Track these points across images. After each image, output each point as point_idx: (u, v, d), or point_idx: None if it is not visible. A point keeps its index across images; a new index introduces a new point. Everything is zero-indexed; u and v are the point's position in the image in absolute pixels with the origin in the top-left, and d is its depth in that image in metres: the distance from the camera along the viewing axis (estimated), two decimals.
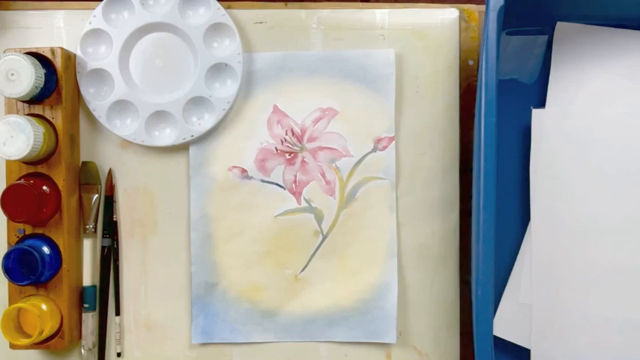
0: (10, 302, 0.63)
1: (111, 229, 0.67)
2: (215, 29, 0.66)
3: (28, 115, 0.63)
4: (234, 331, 0.67)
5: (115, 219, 0.67)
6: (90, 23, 0.65)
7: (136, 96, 0.66)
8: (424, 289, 0.68)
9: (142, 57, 0.66)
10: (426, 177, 0.67)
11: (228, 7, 0.67)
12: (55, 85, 0.63)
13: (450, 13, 0.68)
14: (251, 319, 0.67)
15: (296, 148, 0.67)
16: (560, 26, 0.66)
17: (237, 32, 0.66)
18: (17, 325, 0.63)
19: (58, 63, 0.63)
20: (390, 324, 0.67)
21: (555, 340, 0.64)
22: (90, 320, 0.66)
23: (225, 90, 0.66)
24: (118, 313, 0.67)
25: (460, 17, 0.68)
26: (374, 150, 0.67)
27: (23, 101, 0.63)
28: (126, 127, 0.66)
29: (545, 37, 0.67)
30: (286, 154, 0.67)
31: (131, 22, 0.66)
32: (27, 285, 0.62)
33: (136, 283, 0.67)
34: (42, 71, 0.61)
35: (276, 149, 0.67)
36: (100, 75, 0.66)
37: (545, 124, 0.65)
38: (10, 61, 0.59)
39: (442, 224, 0.67)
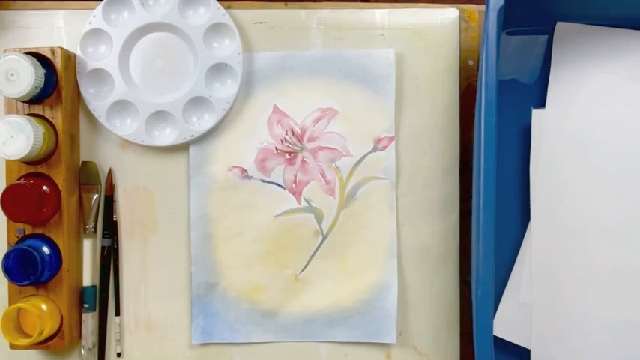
0: (10, 302, 0.63)
1: (111, 229, 0.67)
2: (215, 29, 0.66)
3: (28, 115, 0.63)
4: (234, 331, 0.67)
5: (115, 219, 0.67)
6: (90, 23, 0.65)
7: (136, 96, 0.66)
8: (424, 289, 0.68)
9: (142, 57, 0.66)
10: (426, 177, 0.67)
11: (228, 7, 0.67)
12: (55, 85, 0.63)
13: (450, 13, 0.68)
14: (251, 319, 0.67)
15: (296, 148, 0.67)
16: (560, 26, 0.66)
17: (237, 32, 0.66)
18: (17, 325, 0.63)
19: (58, 63, 0.63)
20: (390, 324, 0.67)
21: (555, 340, 0.64)
22: (90, 320, 0.66)
23: (225, 90, 0.66)
24: (118, 313, 0.67)
25: (460, 17, 0.68)
26: (374, 150, 0.67)
27: (23, 101, 0.63)
28: (126, 127, 0.66)
29: (545, 37, 0.67)
30: (286, 154, 0.67)
31: (131, 22, 0.66)
32: (27, 285, 0.62)
33: (136, 283, 0.67)
34: (42, 71, 0.61)
35: (276, 149, 0.67)
36: (100, 75, 0.66)
37: (545, 124, 0.65)
38: (10, 61, 0.59)
39: (442, 224, 0.67)
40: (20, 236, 0.63)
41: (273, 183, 0.67)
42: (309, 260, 0.67)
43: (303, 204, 0.67)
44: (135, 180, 0.67)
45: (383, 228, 0.67)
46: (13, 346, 0.63)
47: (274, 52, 0.67)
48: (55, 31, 0.67)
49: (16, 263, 0.62)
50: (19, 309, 0.62)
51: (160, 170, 0.68)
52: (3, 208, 0.60)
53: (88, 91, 0.66)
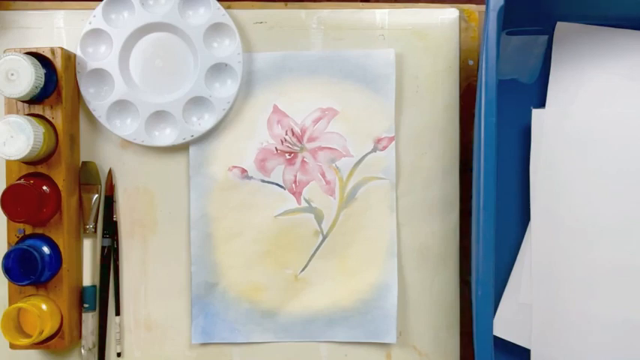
0: (10, 302, 0.63)
1: (111, 229, 0.67)
2: (215, 29, 0.66)
3: (28, 115, 0.63)
4: (234, 331, 0.67)
5: (115, 219, 0.67)
6: (90, 23, 0.65)
7: (136, 96, 0.66)
8: (424, 289, 0.68)
9: (142, 57, 0.66)
10: (426, 177, 0.67)
11: (228, 7, 0.67)
12: (55, 85, 0.63)
13: (450, 13, 0.68)
14: (251, 319, 0.67)
15: (296, 148, 0.67)
16: (560, 26, 0.66)
17: (237, 32, 0.66)
18: (17, 325, 0.63)
19: (58, 63, 0.63)
20: (390, 324, 0.67)
21: (555, 340, 0.64)
22: (90, 320, 0.66)
23: (225, 90, 0.66)
24: (118, 313, 0.67)
25: (460, 17, 0.68)
26: (374, 150, 0.67)
27: (23, 101, 0.63)
28: (126, 127, 0.66)
29: (545, 37, 0.67)
30: (286, 154, 0.67)
31: (131, 22, 0.66)
32: (27, 285, 0.62)
33: (136, 283, 0.67)
34: (42, 71, 0.61)
35: (276, 149, 0.67)
36: (100, 75, 0.66)
37: (545, 124, 0.65)
38: (10, 61, 0.59)
39: (442, 224, 0.67)
40: (20, 236, 0.63)
41: (273, 183, 0.67)
42: (309, 260, 0.67)
43: (303, 204, 0.67)
44: (135, 180, 0.67)
45: (383, 228, 0.67)
46: (13, 346, 0.63)
47: (274, 52, 0.67)
48: (55, 31, 0.67)
49: (16, 263, 0.62)
50: (19, 309, 0.62)
51: (160, 170, 0.68)
52: (3, 208, 0.60)
53: (88, 91, 0.66)
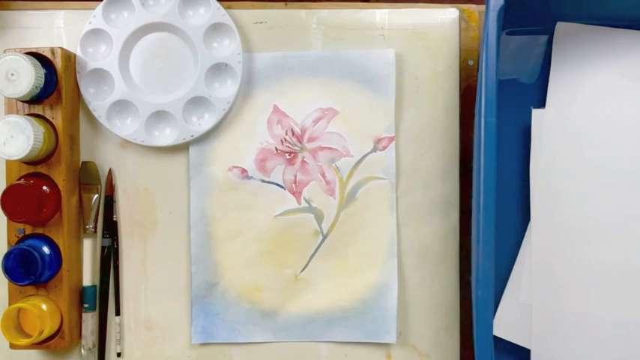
0: (10, 302, 0.63)
1: (111, 229, 0.67)
2: (215, 29, 0.66)
3: (28, 115, 0.63)
4: (234, 331, 0.67)
5: (115, 219, 0.67)
6: (90, 23, 0.65)
7: (136, 96, 0.66)
8: (424, 289, 0.68)
9: (141, 57, 0.66)
10: (426, 177, 0.67)
11: (228, 7, 0.67)
12: (55, 85, 0.63)
13: (450, 13, 0.68)
14: (251, 319, 0.67)
15: (296, 148, 0.67)
16: (560, 26, 0.66)
17: (237, 32, 0.66)
18: (17, 325, 0.63)
19: (58, 63, 0.63)
20: (390, 324, 0.67)
21: (555, 340, 0.64)
22: (90, 320, 0.66)
23: (225, 90, 0.66)
24: (118, 313, 0.67)
25: (460, 17, 0.68)
26: (374, 150, 0.67)
27: (23, 101, 0.63)
28: (126, 127, 0.66)
29: (545, 37, 0.67)
30: (286, 154, 0.67)
31: (131, 22, 0.66)
32: (27, 285, 0.62)
33: (136, 283, 0.67)
34: (42, 71, 0.61)
35: (276, 149, 0.67)
36: (100, 75, 0.66)
37: (545, 124, 0.65)
38: (10, 61, 0.59)
39: (442, 224, 0.67)
40: (20, 236, 0.63)
41: (273, 183, 0.67)
42: (309, 260, 0.67)
43: (303, 204, 0.67)
44: (135, 180, 0.67)
45: (383, 228, 0.67)
46: (13, 346, 0.63)
47: (274, 52, 0.67)
48: (55, 31, 0.67)
49: (16, 263, 0.62)
50: (19, 309, 0.62)
51: (160, 170, 0.68)
52: (3, 208, 0.60)
53: (88, 91, 0.66)
